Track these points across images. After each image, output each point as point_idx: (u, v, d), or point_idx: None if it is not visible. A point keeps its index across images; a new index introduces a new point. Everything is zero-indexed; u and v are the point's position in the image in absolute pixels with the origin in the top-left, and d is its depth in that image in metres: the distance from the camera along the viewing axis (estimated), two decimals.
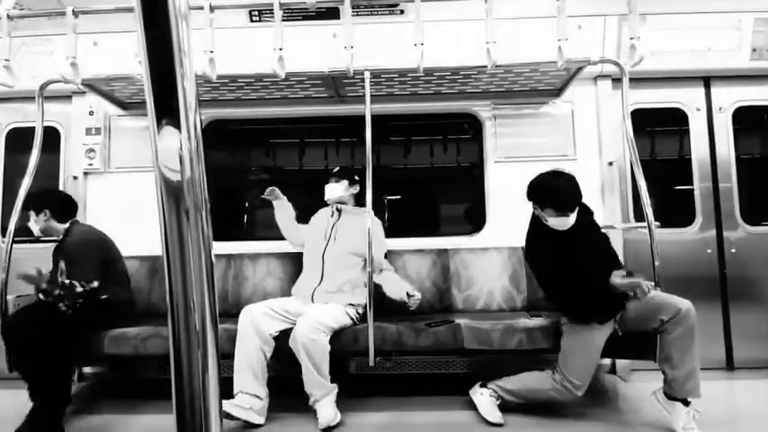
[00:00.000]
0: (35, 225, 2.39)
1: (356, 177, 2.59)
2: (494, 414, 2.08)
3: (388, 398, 2.40)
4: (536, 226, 2.16)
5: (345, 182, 2.53)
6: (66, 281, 2.13)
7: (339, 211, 2.56)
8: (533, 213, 2.17)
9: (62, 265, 2.24)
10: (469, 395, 2.20)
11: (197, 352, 0.45)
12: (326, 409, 2.09)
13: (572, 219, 2.01)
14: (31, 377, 2.05)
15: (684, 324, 1.92)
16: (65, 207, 2.46)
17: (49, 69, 2.62)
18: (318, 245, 2.48)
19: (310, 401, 2.12)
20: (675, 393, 1.93)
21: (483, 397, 2.14)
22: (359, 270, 2.43)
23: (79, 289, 2.12)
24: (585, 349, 2.01)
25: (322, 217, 2.63)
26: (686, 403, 1.92)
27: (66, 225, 2.41)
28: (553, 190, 2.01)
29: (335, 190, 2.52)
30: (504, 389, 2.13)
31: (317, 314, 2.16)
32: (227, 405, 2.00)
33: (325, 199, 2.55)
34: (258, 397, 2.08)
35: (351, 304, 2.35)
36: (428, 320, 2.34)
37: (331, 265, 2.40)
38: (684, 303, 1.96)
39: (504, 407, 2.12)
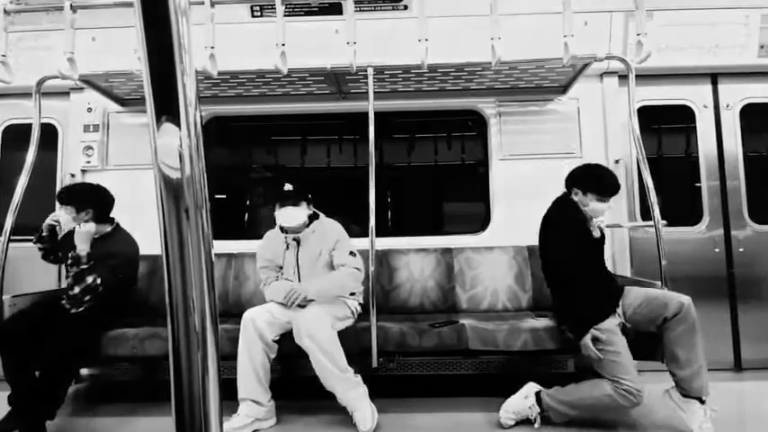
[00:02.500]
0: (70, 223, 2.27)
1: (309, 195, 2.29)
2: (507, 418, 2.01)
3: (392, 399, 2.35)
4: (566, 216, 2.14)
5: (304, 203, 2.22)
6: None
7: (296, 241, 2.27)
8: (558, 206, 2.18)
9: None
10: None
11: (197, 353, 0.44)
12: (362, 410, 1.96)
13: (608, 206, 2.13)
14: (25, 381, 2.01)
15: (687, 320, 1.91)
16: (108, 209, 2.40)
17: (47, 65, 2.58)
18: (291, 274, 2.28)
19: (339, 400, 2.00)
20: (687, 393, 1.91)
21: (525, 401, 2.01)
22: (341, 267, 2.26)
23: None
24: (616, 344, 1.94)
25: (278, 245, 2.30)
26: (702, 401, 1.89)
27: (108, 228, 2.36)
28: (599, 175, 2.15)
29: (298, 215, 2.18)
30: (557, 399, 1.97)
31: (316, 307, 2.11)
32: (228, 430, 1.92)
33: (284, 226, 2.24)
34: (261, 403, 2.03)
35: (352, 294, 2.31)
36: (432, 321, 2.31)
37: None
38: (684, 298, 1.94)
39: (547, 421, 2.00)
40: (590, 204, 2.12)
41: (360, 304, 2.35)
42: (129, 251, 2.38)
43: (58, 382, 2.01)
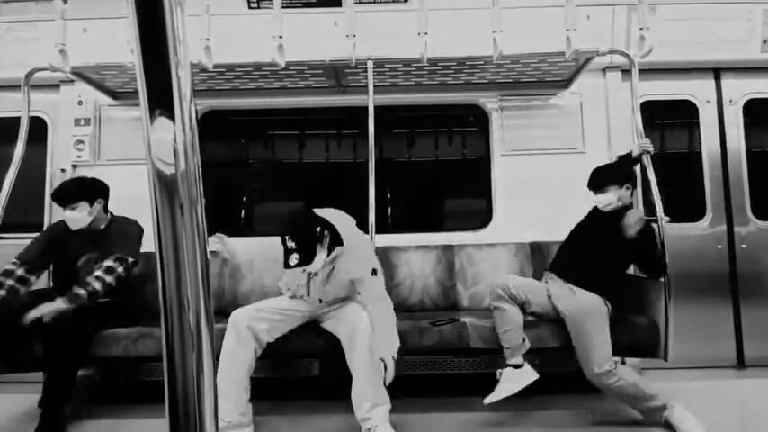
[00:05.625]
0: (87, 217, 2.22)
1: (325, 232, 1.89)
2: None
3: (390, 400, 2.31)
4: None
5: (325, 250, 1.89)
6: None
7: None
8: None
9: (93, 255, 2.23)
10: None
11: (191, 353, 0.44)
12: None
13: (603, 198, 2.22)
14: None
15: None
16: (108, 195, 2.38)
17: (36, 57, 2.52)
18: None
19: (362, 418, 1.86)
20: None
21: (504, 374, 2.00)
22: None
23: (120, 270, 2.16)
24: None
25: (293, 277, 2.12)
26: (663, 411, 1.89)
27: (108, 216, 2.35)
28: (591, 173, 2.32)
29: (317, 263, 1.86)
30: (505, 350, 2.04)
31: (362, 308, 1.97)
32: None
33: (305, 270, 1.94)
34: (241, 424, 1.85)
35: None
36: (433, 319, 2.27)
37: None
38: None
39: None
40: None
41: None
42: (135, 230, 2.37)
43: (61, 380, 1.98)
